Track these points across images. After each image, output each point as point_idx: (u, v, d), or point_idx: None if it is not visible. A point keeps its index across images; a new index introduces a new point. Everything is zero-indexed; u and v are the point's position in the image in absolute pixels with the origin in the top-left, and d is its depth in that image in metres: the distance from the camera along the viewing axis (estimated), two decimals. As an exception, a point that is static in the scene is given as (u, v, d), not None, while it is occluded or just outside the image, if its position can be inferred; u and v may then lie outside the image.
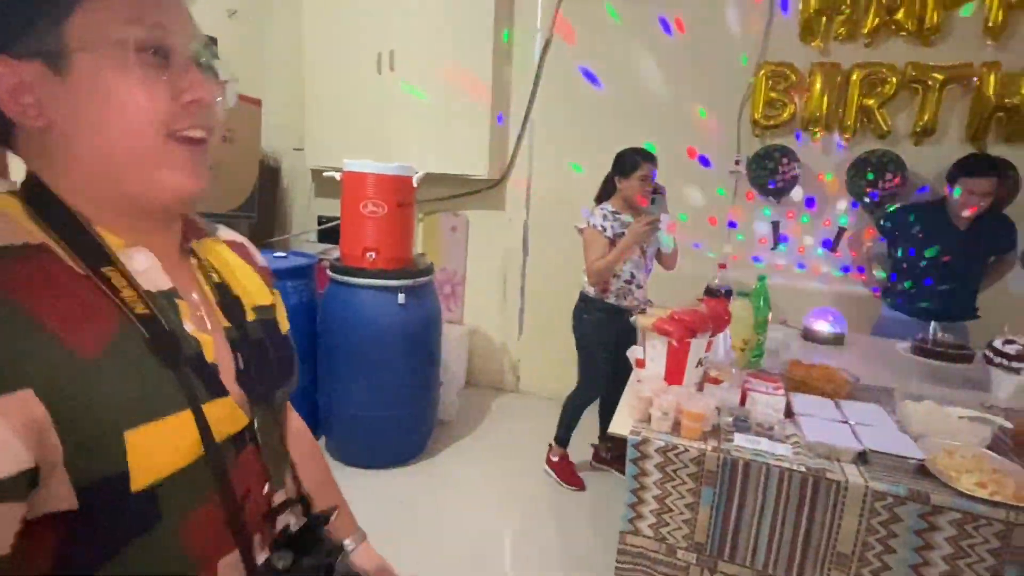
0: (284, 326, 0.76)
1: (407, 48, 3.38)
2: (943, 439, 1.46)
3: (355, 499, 0.88)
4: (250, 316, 0.68)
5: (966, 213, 2.44)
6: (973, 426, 1.52)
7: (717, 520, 1.41)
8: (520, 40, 3.47)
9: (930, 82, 2.75)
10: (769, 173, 2.93)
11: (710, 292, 2.18)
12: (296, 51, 3.73)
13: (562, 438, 2.81)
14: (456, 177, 3.50)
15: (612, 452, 2.85)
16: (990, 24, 2.67)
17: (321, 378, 2.82)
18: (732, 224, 3.26)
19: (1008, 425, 1.52)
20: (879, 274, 2.88)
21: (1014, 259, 2.61)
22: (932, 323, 2.18)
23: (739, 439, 1.45)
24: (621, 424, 1.53)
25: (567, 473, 2.77)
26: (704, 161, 3.26)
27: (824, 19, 2.88)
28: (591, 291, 2.60)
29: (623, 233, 2.45)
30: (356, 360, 2.68)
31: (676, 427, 1.49)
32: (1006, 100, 2.67)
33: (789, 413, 1.60)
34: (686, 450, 1.41)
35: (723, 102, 3.17)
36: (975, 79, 2.71)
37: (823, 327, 2.44)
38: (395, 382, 2.71)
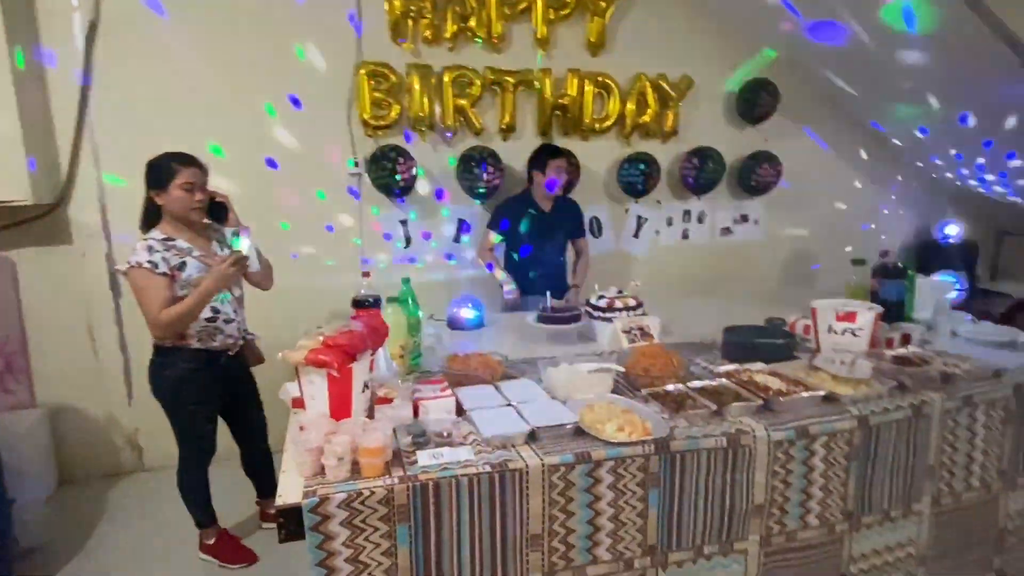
0: None
1: None
2: (582, 396, 1.65)
3: None
4: None
5: (554, 190, 2.95)
6: (599, 377, 1.76)
7: (418, 554, 1.28)
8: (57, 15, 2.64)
9: (505, 85, 3.17)
10: (389, 173, 2.94)
11: (358, 304, 2.03)
12: None
13: (203, 519, 2.31)
14: (-23, 207, 2.47)
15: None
16: (539, 36, 3.21)
17: None
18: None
19: (621, 369, 1.81)
20: (501, 275, 3.12)
21: (585, 243, 3.25)
22: (547, 294, 2.51)
23: (422, 458, 1.34)
24: (291, 490, 1.26)
25: (230, 551, 2.29)
26: (326, 167, 3.10)
27: (410, 22, 3.01)
28: (167, 342, 2.09)
29: (183, 264, 2.01)
30: None
31: (356, 468, 1.30)
32: (560, 100, 3.27)
33: (461, 411, 1.58)
34: (372, 493, 1.23)
35: (333, 103, 3.04)
36: (535, 83, 3.23)
37: (466, 314, 2.57)
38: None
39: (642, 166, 3.35)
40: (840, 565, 1.66)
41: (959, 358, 1.93)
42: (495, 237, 3.07)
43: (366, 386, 1.52)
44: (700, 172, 3.46)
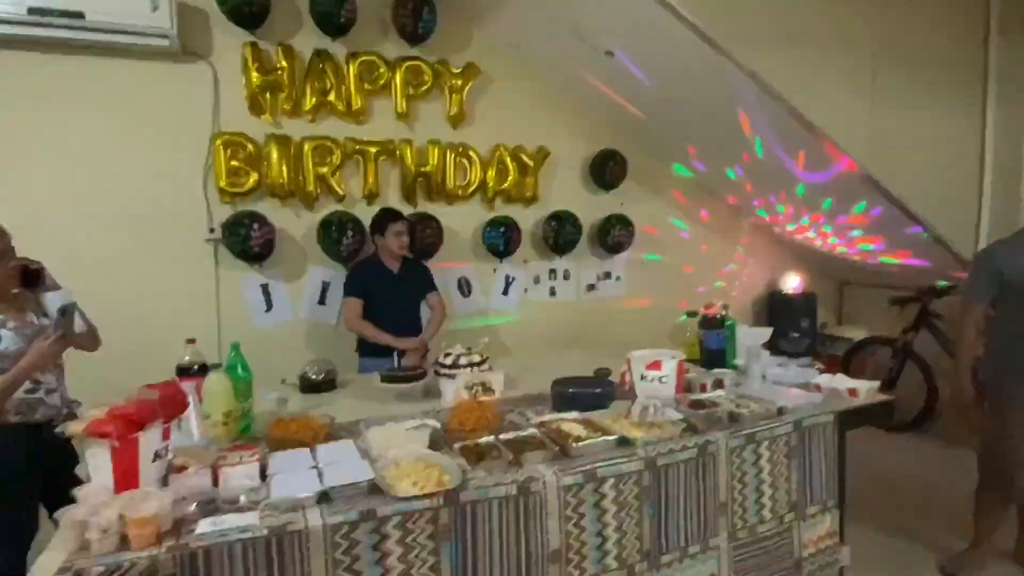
0: None
1: None
2: (396, 453, 1.70)
3: None
4: None
5: (398, 250, 3.04)
6: (416, 434, 1.82)
7: (188, 627, 1.26)
8: None
9: (367, 154, 3.31)
10: (243, 239, 2.96)
11: (182, 371, 2.01)
12: None
13: None
14: None
15: None
16: (399, 111, 3.40)
17: None
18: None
19: (437, 424, 1.88)
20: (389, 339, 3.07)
21: (438, 299, 3.30)
22: (395, 354, 2.58)
23: (203, 526, 1.34)
24: (46, 566, 1.22)
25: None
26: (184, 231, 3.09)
27: (268, 95, 3.12)
28: None
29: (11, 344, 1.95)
30: None
31: (125, 542, 1.28)
32: (422, 168, 3.45)
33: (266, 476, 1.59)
34: (133, 564, 1.22)
35: (187, 171, 3.06)
36: (397, 152, 3.39)
37: (315, 377, 2.58)
38: None
39: (502, 228, 3.56)
40: (643, 603, 1.76)
41: (752, 399, 2.15)
42: (359, 303, 3.04)
43: (158, 455, 1.50)
44: (559, 234, 3.71)
